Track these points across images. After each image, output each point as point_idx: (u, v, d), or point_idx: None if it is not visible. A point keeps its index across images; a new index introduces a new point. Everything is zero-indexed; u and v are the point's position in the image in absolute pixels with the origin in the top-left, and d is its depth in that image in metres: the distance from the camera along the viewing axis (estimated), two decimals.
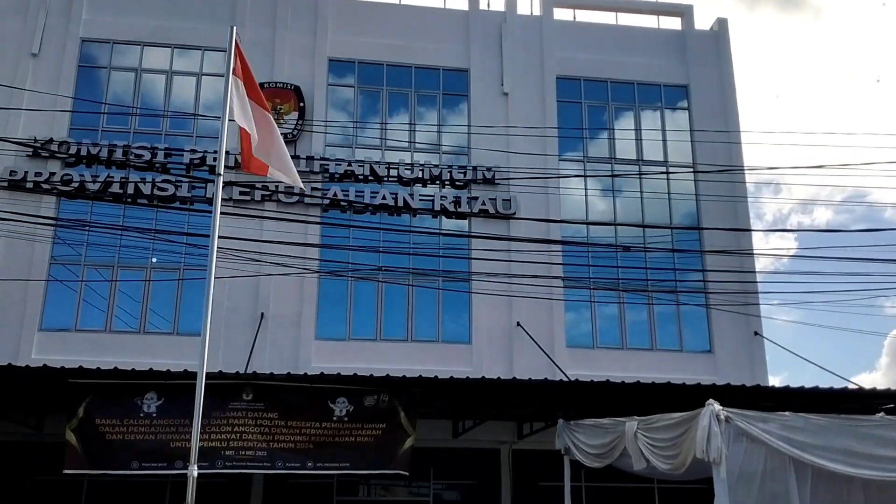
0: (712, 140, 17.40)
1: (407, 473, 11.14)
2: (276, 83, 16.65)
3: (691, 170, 17.67)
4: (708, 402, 7.25)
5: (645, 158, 17.91)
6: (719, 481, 6.93)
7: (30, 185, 15.46)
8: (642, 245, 16.74)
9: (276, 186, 15.86)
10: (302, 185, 9.15)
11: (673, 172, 17.69)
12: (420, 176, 16.77)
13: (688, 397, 11.83)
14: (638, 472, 9.22)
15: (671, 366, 15.78)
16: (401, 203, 16.47)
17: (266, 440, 10.77)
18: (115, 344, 14.85)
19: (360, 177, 16.58)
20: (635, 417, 8.89)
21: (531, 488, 15.27)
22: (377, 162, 16.75)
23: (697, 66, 18.69)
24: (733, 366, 16.15)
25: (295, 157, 16.23)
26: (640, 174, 17.67)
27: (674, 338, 16.83)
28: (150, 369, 10.80)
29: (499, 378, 12.06)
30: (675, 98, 18.63)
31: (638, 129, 18.12)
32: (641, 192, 17.63)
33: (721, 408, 7.19)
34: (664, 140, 18.12)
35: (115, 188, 15.70)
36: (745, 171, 17.50)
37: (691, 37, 19.01)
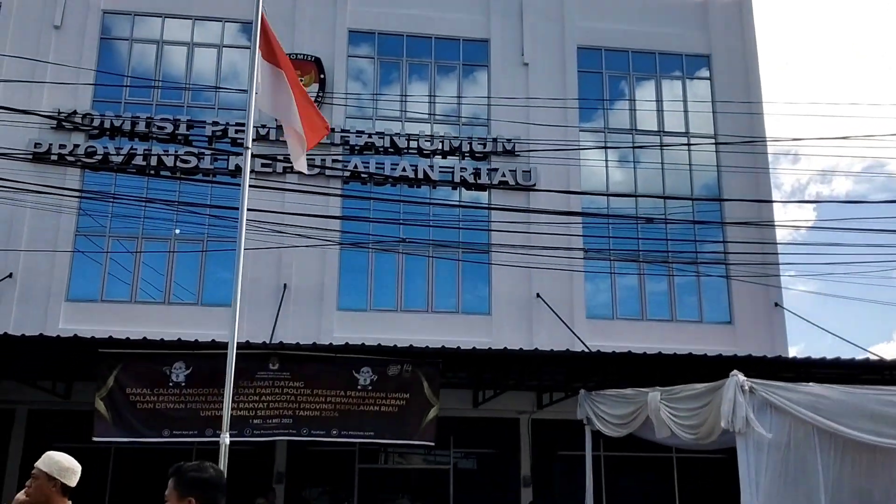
0: (734, 111, 17.27)
1: (433, 444, 11.37)
2: (296, 55, 16.63)
3: (712, 140, 17.56)
4: (732, 372, 7.30)
5: (666, 129, 17.83)
6: (743, 452, 6.99)
7: (54, 157, 15.59)
8: (663, 216, 16.71)
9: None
10: (306, 170, 9.05)
11: (694, 144, 17.60)
12: (440, 148, 16.78)
13: (709, 368, 11.96)
14: (661, 442, 9.31)
15: (691, 337, 15.80)
16: (421, 175, 16.51)
17: (292, 408, 10.97)
18: (141, 314, 15.04)
19: (381, 149, 16.62)
20: (658, 388, 8.96)
21: (550, 457, 15.44)
22: (397, 134, 16.76)
23: (719, 35, 18.50)
24: (753, 337, 16.18)
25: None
26: (661, 145, 17.59)
27: (694, 309, 16.86)
28: (179, 339, 10.97)
29: (521, 349, 12.15)
30: (696, 68, 18.48)
31: (659, 100, 18.01)
32: (662, 162, 17.56)
33: (745, 378, 7.24)
34: (685, 111, 18.01)
35: (139, 160, 15.83)
36: (767, 142, 17.38)
37: (713, 6, 18.80)
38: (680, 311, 16.80)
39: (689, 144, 17.62)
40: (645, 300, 16.79)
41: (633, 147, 17.50)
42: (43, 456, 4.35)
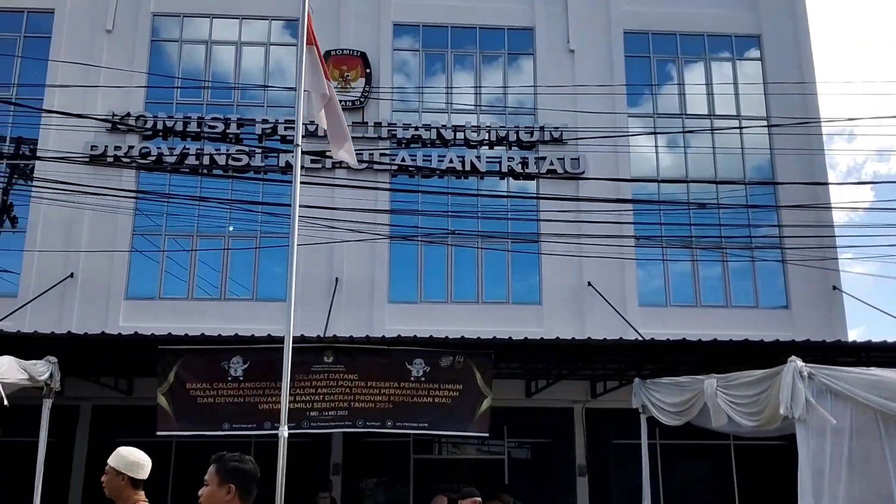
0: (786, 92, 16.91)
1: (487, 435, 11.41)
2: (342, 50, 16.78)
3: (765, 122, 17.22)
4: (790, 358, 7.20)
5: (716, 112, 17.54)
6: (803, 439, 6.89)
7: (110, 158, 15.96)
8: (715, 201, 16.45)
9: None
10: (356, 164, 9.15)
11: (746, 127, 17.28)
12: (486, 138, 16.76)
13: (765, 354, 11.80)
14: (718, 429, 9.22)
15: (746, 322, 15.55)
16: (468, 166, 16.51)
17: (347, 401, 11.11)
18: (197, 311, 15.34)
19: (427, 141, 16.66)
20: (714, 375, 8.87)
21: (605, 446, 15.37)
22: (443, 125, 16.78)
23: (770, 14, 18.11)
24: (811, 321, 15.84)
25: (363, 124, 16.45)
26: (711, 129, 17.33)
27: (749, 294, 16.58)
28: (235, 335, 11.19)
29: (573, 339, 12.12)
30: (746, 48, 18.14)
31: (709, 83, 17.72)
32: (713, 146, 17.28)
33: (804, 364, 7.14)
34: (736, 93, 17.68)
35: (191, 160, 16.14)
36: (821, 123, 16.99)
37: None
38: (735, 297, 16.54)
39: (740, 127, 17.31)
40: (699, 286, 16.58)
41: (683, 132, 17.25)
42: (114, 451, 4.54)
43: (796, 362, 7.09)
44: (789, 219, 16.11)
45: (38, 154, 15.86)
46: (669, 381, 10.11)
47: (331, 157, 15.54)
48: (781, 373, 7.17)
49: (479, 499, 6.45)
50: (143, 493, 4.50)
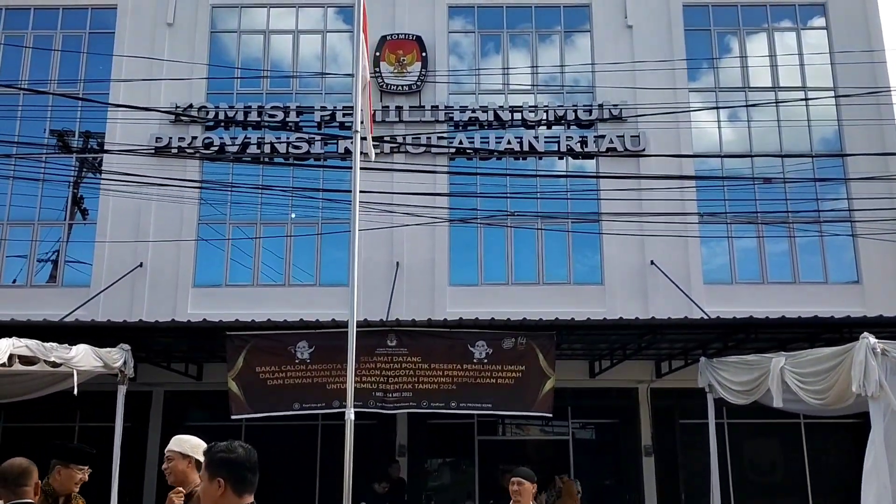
0: (854, 62, 16.36)
1: (550, 415, 11.44)
2: (397, 35, 16.81)
3: (832, 93, 16.68)
4: (862, 335, 7.03)
5: (781, 84, 17.07)
6: (878, 417, 6.73)
7: (174, 150, 16.31)
8: (782, 176, 16.03)
9: (404, 138, 16.18)
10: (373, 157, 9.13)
11: (812, 99, 16.77)
12: (544, 118, 16.63)
13: (836, 331, 11.52)
14: (787, 409, 9.06)
15: (816, 298, 15.14)
16: (526, 147, 16.41)
17: (412, 382, 11.26)
18: (262, 297, 15.63)
19: (485, 123, 16.60)
20: (782, 353, 8.72)
21: (671, 426, 15.21)
22: (500, 107, 16.70)
23: None
24: (883, 296, 15.34)
25: (419, 108, 16.49)
26: (776, 101, 16.86)
27: (818, 269, 16.15)
28: (301, 320, 11.40)
29: (636, 318, 12.01)
30: (811, 17, 17.58)
31: (772, 55, 17.23)
32: (778, 119, 16.83)
33: (877, 340, 6.96)
34: (801, 64, 17.13)
35: (253, 148, 16.39)
36: (892, 92, 16.39)
37: None
38: (803, 273, 16.13)
39: (806, 99, 16.80)
40: (765, 262, 16.22)
41: (747, 105, 16.83)
42: (171, 440, 4.69)
43: (868, 339, 6.92)
44: (859, 191, 15.63)
45: (106, 147, 16.31)
46: (736, 360, 9.97)
47: (388, 142, 15.63)
48: (853, 350, 7.01)
49: (524, 480, 6.45)
50: None
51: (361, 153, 7.90)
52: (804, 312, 12.01)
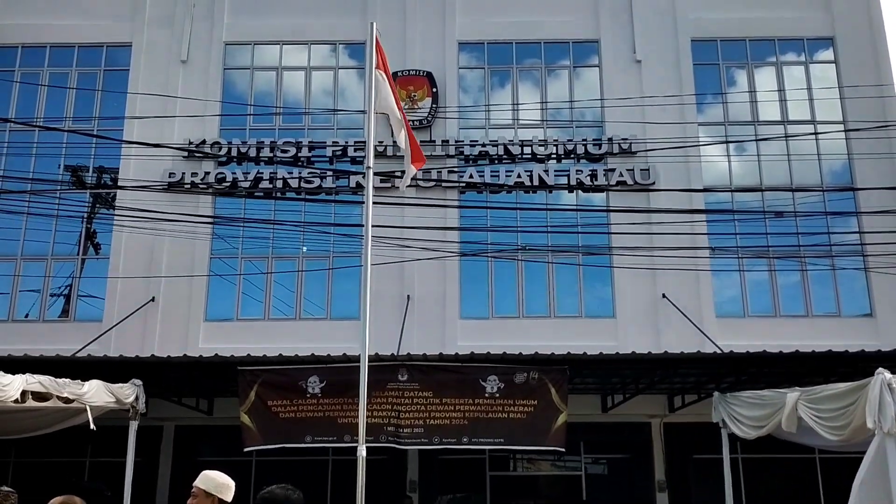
0: (863, 95, 16.40)
1: (563, 449, 11.37)
2: (408, 71, 16.98)
3: (842, 127, 16.70)
4: (877, 370, 6.98)
5: (790, 118, 17.13)
6: (893, 453, 6.66)
7: (187, 185, 16.44)
8: (792, 209, 16.02)
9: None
10: (406, 184, 9.34)
11: (822, 133, 16.79)
12: (554, 152, 16.71)
13: (850, 365, 11.43)
14: (802, 443, 8.98)
15: (829, 332, 15.06)
16: (536, 180, 16.47)
17: (423, 417, 11.22)
18: (274, 330, 15.64)
19: (495, 157, 16.70)
20: (797, 388, 8.65)
21: (685, 461, 15.06)
22: (510, 141, 16.80)
23: (843, 15, 17.62)
24: None
25: (430, 142, 16.58)
26: (785, 135, 16.90)
27: (830, 302, 16.07)
28: (312, 354, 11.41)
29: (649, 353, 11.95)
30: (819, 51, 17.69)
31: (781, 89, 17.32)
32: (788, 153, 16.87)
33: (892, 376, 6.91)
34: (810, 98, 17.22)
35: (265, 183, 16.50)
36: None
37: None
38: (816, 306, 16.05)
39: (815, 133, 16.83)
40: (777, 295, 16.15)
41: (756, 139, 16.86)
42: (200, 475, 4.70)
43: (884, 374, 6.87)
44: (871, 224, 15.59)
45: (119, 182, 16.46)
46: (750, 395, 9.90)
47: (399, 177, 15.71)
48: (868, 385, 6.95)
49: None
50: None
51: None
52: (817, 346, 11.93)
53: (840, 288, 16.12)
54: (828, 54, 17.61)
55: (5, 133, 17.10)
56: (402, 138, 8.47)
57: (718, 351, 13.31)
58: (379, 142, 15.98)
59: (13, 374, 8.31)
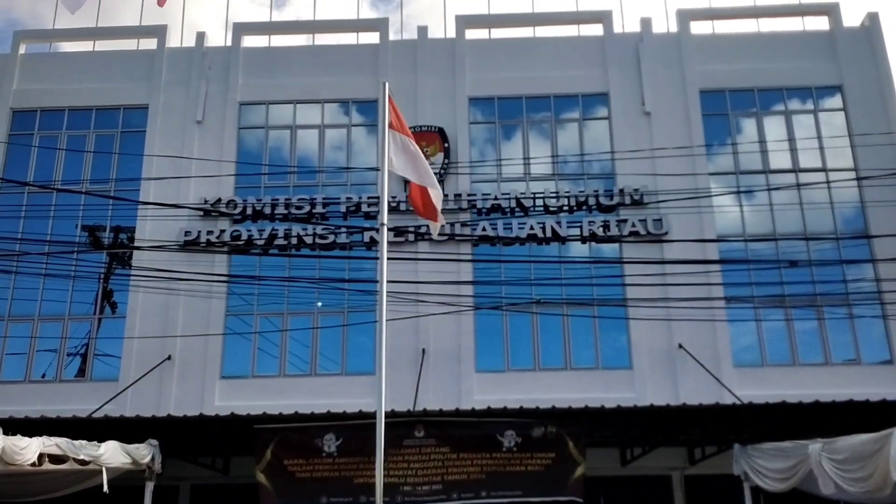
0: (873, 143, 16.46)
1: (581, 501, 11.19)
2: (420, 127, 17.19)
3: (853, 174, 16.73)
4: None
5: (801, 166, 17.19)
6: None
7: (203, 243, 16.58)
8: (807, 258, 15.98)
9: (427, 227, 16.36)
10: (435, 235, 9.49)
11: (833, 181, 16.82)
12: (566, 203, 16.79)
13: (872, 414, 11.27)
14: (828, 496, 8.82)
15: (848, 380, 14.92)
16: (549, 232, 16.53)
17: (440, 473, 11.13)
18: (289, 387, 15.61)
19: (507, 210, 16.80)
20: (819, 439, 8.54)
21: None
22: (522, 194, 16.91)
23: (850, 64, 17.81)
24: None
25: (443, 197, 16.65)
26: (797, 184, 16.94)
27: (849, 349, 15.91)
28: (328, 412, 11.38)
29: (667, 405, 11.86)
30: (827, 98, 17.83)
31: (791, 138, 17.42)
32: (800, 202, 16.89)
33: None
34: (821, 146, 17.32)
35: (280, 240, 16.63)
36: None
37: (841, 35, 18.14)
38: (834, 353, 15.89)
39: (828, 181, 16.87)
40: (795, 344, 16.00)
41: (769, 189, 16.90)
42: None
43: None
44: (888, 271, 15.51)
45: (136, 242, 16.63)
46: (772, 447, 9.79)
47: (412, 231, 15.82)
48: (891, 436, 6.87)
49: None
50: None
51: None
52: (837, 394, 11.82)
53: (858, 335, 15.99)
54: (836, 101, 17.74)
55: (24, 195, 17.36)
56: (436, 192, 8.61)
57: (737, 401, 13.17)
58: (392, 197, 16.11)
59: (30, 435, 8.33)
